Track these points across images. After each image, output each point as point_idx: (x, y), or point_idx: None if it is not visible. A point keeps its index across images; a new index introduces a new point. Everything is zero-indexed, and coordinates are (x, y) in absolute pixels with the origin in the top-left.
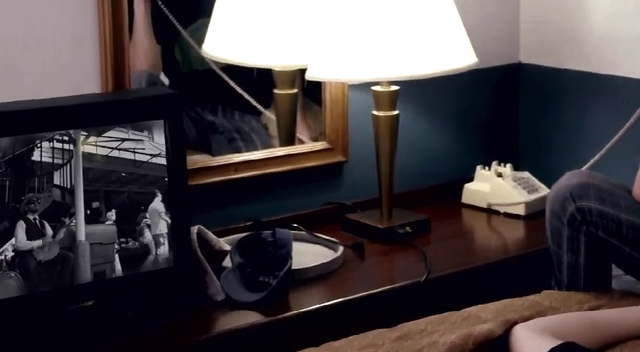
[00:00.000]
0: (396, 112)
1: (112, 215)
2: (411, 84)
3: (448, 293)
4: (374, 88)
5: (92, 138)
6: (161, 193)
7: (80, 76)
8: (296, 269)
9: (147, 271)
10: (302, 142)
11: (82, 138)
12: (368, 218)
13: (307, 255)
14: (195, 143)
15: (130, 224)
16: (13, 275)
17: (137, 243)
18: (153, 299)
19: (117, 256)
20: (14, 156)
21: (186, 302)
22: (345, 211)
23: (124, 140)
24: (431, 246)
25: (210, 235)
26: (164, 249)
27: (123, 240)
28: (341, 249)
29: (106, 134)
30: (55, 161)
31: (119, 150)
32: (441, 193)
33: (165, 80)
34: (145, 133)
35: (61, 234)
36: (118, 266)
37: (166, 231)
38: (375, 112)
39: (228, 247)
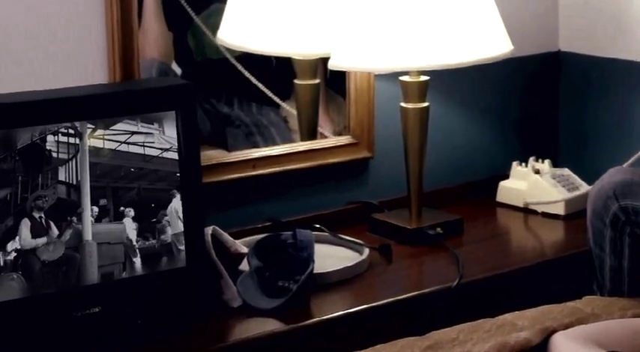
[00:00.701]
0: (425, 104)
1: (122, 213)
2: (441, 74)
3: (482, 299)
4: (402, 78)
5: (99, 132)
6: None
7: (86, 65)
8: (318, 274)
9: (158, 275)
10: (324, 137)
11: (88, 131)
12: (395, 218)
13: (330, 257)
14: (210, 137)
15: (140, 222)
16: (15, 276)
17: (147, 243)
18: (164, 305)
19: (126, 257)
20: (17, 151)
21: (200, 308)
22: (370, 211)
23: (133, 133)
24: (463, 248)
25: (226, 236)
26: (177, 251)
27: (132, 239)
28: (366, 251)
29: (114, 127)
30: (60, 156)
31: (128, 144)
32: (474, 191)
33: (177, 69)
34: (156, 126)
35: (67, 233)
36: (128, 268)
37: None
38: (403, 104)
39: (245, 249)
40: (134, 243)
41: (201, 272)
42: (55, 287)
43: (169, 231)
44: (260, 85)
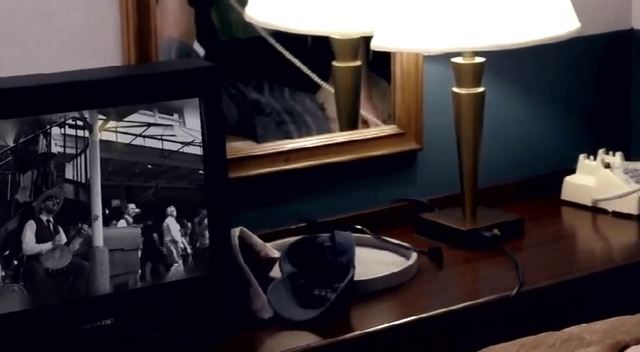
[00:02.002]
0: (480, 89)
1: (135, 215)
2: (499, 55)
3: (544, 310)
4: (454, 59)
5: (111, 123)
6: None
7: (96, 46)
8: (359, 281)
9: (178, 284)
10: (367, 126)
11: (99, 122)
12: (447, 218)
13: (373, 263)
14: (237, 127)
15: (157, 225)
16: (16, 288)
17: (165, 249)
18: (185, 317)
19: (141, 264)
20: (18, 144)
21: (226, 320)
22: (419, 210)
23: (149, 125)
24: (524, 252)
25: (255, 239)
26: (198, 257)
27: (149, 245)
28: (414, 255)
29: (128, 118)
30: (67, 150)
31: (144, 137)
32: (536, 188)
33: (200, 50)
34: (176, 116)
35: (75, 238)
36: (144, 277)
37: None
38: (455, 89)
39: (277, 254)
40: (180, 245)
41: (227, 280)
42: (61, 300)
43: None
44: (298, 63)
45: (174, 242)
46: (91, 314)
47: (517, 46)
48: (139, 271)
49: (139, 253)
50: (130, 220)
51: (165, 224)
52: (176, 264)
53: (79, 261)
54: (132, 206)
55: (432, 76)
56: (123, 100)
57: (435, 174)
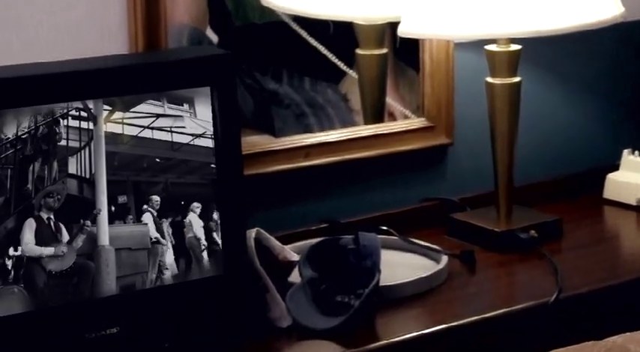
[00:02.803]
0: (516, 79)
1: (144, 212)
2: (536, 42)
3: (586, 318)
4: (488, 47)
5: (118, 114)
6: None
7: (101, 32)
8: (385, 286)
9: (190, 287)
10: (393, 119)
11: (104, 114)
12: (480, 218)
13: (400, 266)
14: (253, 120)
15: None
16: (16, 290)
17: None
18: (197, 325)
19: (151, 265)
20: (17, 137)
21: (241, 329)
22: (449, 209)
23: (158, 116)
24: (563, 255)
25: (273, 241)
26: (213, 259)
27: (201, 238)
28: (445, 259)
29: (136, 109)
30: (71, 143)
31: (152, 129)
32: (576, 186)
33: (213, 36)
34: (186, 107)
35: (79, 237)
36: (153, 278)
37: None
38: (489, 80)
39: (296, 257)
40: (203, 242)
41: (241, 285)
42: (64, 303)
43: (192, 234)
44: (323, 49)
45: (198, 239)
46: (95, 319)
47: (556, 33)
48: (148, 272)
49: (147, 252)
50: (155, 213)
51: (187, 220)
52: (201, 263)
53: (83, 261)
54: (156, 198)
55: (464, 64)
56: (130, 90)
57: (466, 171)
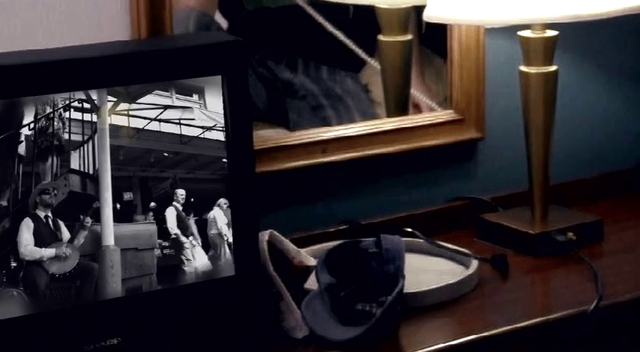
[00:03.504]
0: (553, 68)
1: (151, 210)
2: (573, 28)
3: (627, 328)
4: (522, 33)
5: (122, 106)
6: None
7: (99, 17)
8: (410, 294)
9: (198, 294)
10: (419, 111)
11: (108, 105)
12: (513, 219)
13: (426, 272)
14: (266, 112)
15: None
16: (15, 293)
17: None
18: (204, 334)
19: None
20: (17, 130)
21: (253, 340)
22: (480, 209)
23: (166, 107)
24: (603, 259)
25: (287, 244)
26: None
27: (165, 244)
28: (474, 263)
29: (142, 100)
30: (73, 137)
31: (160, 121)
32: (618, 184)
33: (223, 22)
34: (195, 98)
35: (81, 237)
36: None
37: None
38: (523, 68)
39: (313, 261)
40: (226, 238)
41: (254, 292)
42: (66, 307)
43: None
44: (341, 35)
45: (221, 235)
46: (99, 323)
47: (596, 17)
48: (155, 273)
49: (155, 253)
50: (180, 207)
51: (211, 215)
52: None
53: (86, 262)
54: (181, 191)
55: (496, 52)
56: (135, 79)
57: (498, 168)
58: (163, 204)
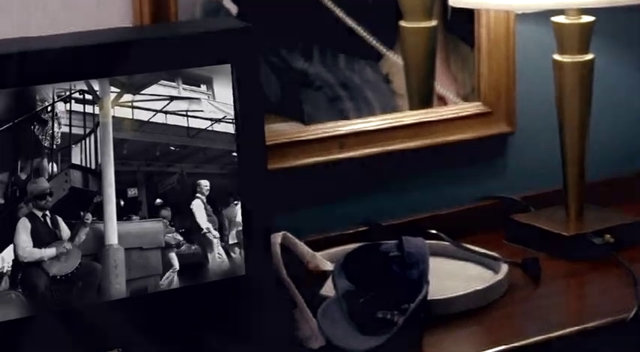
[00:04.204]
0: (589, 57)
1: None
2: (611, 13)
3: None
4: (556, 19)
5: (126, 97)
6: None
7: (102, 2)
8: (435, 300)
9: (206, 298)
10: (444, 103)
11: (111, 96)
12: (546, 220)
13: (452, 277)
14: (279, 105)
15: (182, 219)
16: (13, 296)
17: (194, 249)
18: (212, 345)
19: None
20: (15, 123)
21: (264, 349)
22: (510, 209)
23: (172, 98)
24: None
25: (302, 247)
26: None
27: (174, 242)
28: (504, 268)
29: (146, 90)
30: (74, 130)
31: (165, 113)
32: None
33: (232, 7)
34: (203, 88)
35: (82, 234)
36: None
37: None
38: (557, 57)
39: (330, 266)
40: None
41: (265, 298)
42: (67, 309)
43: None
44: (353, 24)
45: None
46: (101, 326)
47: (635, 2)
48: (161, 274)
49: (162, 252)
50: (205, 200)
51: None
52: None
53: (88, 262)
54: (205, 183)
55: (527, 39)
56: (138, 68)
57: (529, 165)
58: (179, 199)
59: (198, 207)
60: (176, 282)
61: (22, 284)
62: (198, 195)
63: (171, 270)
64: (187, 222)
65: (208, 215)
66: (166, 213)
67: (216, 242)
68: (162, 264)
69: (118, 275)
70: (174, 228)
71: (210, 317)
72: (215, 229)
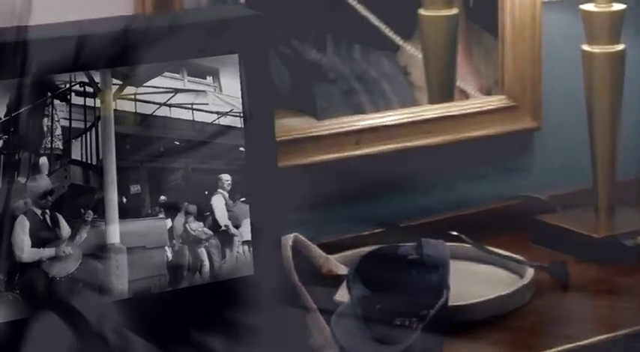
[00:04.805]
0: (620, 47)
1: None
2: None
3: None
4: (585, 7)
5: (129, 89)
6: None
7: None
8: (456, 306)
9: (211, 301)
10: (465, 97)
11: (113, 89)
12: (574, 221)
13: (474, 282)
14: (290, 98)
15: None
16: (11, 297)
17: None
18: (216, 338)
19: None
20: (12, 116)
21: None
22: (536, 210)
23: (176, 91)
24: None
25: (315, 250)
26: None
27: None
28: (530, 272)
29: (150, 82)
30: (73, 124)
31: (170, 106)
32: None
33: None
34: (209, 80)
35: (83, 232)
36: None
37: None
38: (586, 48)
39: (344, 270)
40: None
41: (276, 303)
42: (66, 310)
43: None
44: (368, 14)
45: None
46: (105, 328)
47: None
48: (165, 275)
49: (166, 252)
50: (227, 195)
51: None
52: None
53: (89, 262)
54: (226, 177)
55: (555, 28)
56: (141, 59)
57: (557, 162)
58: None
59: (218, 203)
60: (206, 278)
61: (19, 285)
62: (219, 189)
63: (202, 265)
64: (209, 219)
65: (229, 211)
66: (192, 208)
67: (236, 240)
68: (192, 258)
69: (120, 275)
70: (202, 223)
71: (217, 319)
72: (234, 226)
